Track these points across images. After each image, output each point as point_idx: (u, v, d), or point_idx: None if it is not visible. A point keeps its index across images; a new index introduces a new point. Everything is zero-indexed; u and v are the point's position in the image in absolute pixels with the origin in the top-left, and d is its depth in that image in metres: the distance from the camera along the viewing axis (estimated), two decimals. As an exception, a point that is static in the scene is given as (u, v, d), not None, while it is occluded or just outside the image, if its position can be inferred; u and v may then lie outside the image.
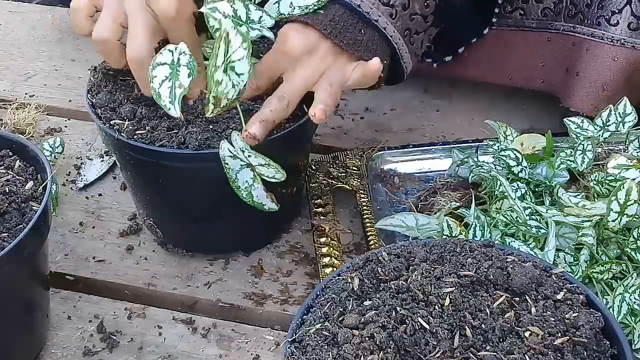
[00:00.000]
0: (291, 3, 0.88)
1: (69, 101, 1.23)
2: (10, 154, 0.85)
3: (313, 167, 1.03)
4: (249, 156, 0.81)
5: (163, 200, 0.92)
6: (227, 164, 0.80)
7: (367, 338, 0.61)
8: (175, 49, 0.80)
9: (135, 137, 0.85)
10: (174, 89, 0.78)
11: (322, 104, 0.85)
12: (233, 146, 0.81)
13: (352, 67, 0.88)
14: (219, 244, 0.96)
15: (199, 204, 0.91)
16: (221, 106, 0.81)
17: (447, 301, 0.64)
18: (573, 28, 1.04)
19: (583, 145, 0.92)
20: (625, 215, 0.80)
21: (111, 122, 0.87)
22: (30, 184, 0.81)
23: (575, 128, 0.94)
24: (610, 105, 0.95)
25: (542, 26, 1.07)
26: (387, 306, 0.64)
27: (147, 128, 0.85)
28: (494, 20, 1.07)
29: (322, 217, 0.95)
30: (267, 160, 0.82)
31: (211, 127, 0.85)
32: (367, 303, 0.65)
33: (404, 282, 0.66)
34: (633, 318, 0.77)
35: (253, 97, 0.88)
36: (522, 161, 0.90)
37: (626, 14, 0.99)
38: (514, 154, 0.90)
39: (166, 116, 0.87)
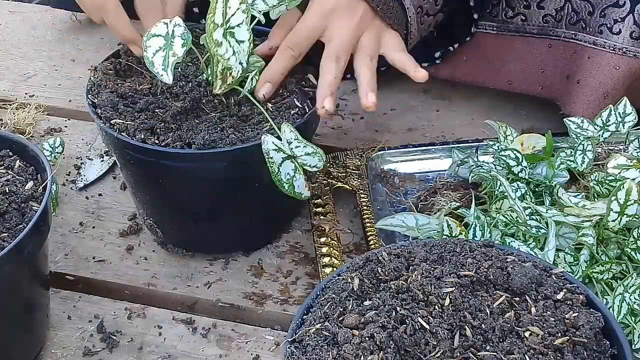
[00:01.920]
0: None
1: (69, 101, 1.23)
2: (10, 154, 0.85)
3: (313, 167, 1.03)
4: (296, 147, 0.82)
5: (163, 200, 0.92)
6: (270, 157, 0.81)
7: (367, 338, 0.61)
8: (170, 22, 0.80)
9: (135, 136, 0.85)
10: (168, 57, 0.79)
11: (370, 89, 0.88)
12: (279, 139, 0.81)
13: (388, 35, 0.93)
14: (219, 244, 0.96)
15: (199, 204, 0.91)
16: (227, 83, 0.81)
17: (447, 301, 0.64)
18: (574, 35, 1.04)
19: (583, 145, 0.92)
20: (625, 215, 0.80)
21: (111, 122, 0.87)
22: (30, 184, 0.81)
23: (575, 128, 0.94)
24: (610, 106, 0.95)
25: (543, 32, 1.07)
26: (387, 306, 0.64)
27: (147, 127, 0.85)
28: (475, 17, 1.08)
29: (322, 217, 0.95)
30: (316, 148, 0.82)
31: (212, 127, 0.85)
32: (367, 303, 0.65)
33: (404, 282, 0.66)
34: (633, 318, 0.77)
35: (273, 94, 0.89)
36: (522, 161, 0.90)
37: (628, 22, 0.99)
38: (514, 154, 0.90)
39: (165, 115, 0.87)
